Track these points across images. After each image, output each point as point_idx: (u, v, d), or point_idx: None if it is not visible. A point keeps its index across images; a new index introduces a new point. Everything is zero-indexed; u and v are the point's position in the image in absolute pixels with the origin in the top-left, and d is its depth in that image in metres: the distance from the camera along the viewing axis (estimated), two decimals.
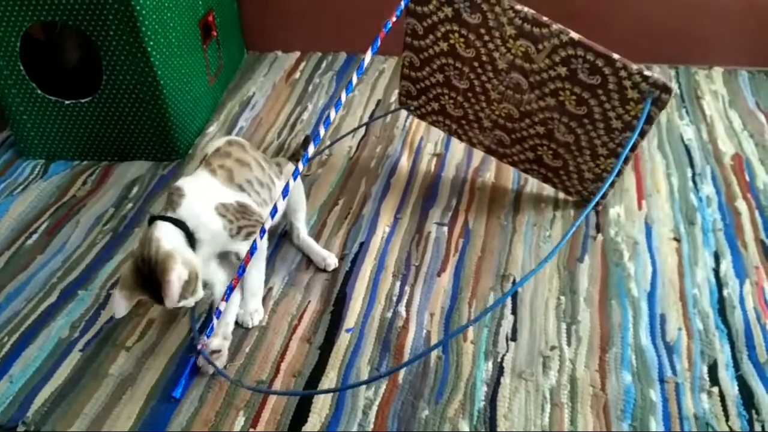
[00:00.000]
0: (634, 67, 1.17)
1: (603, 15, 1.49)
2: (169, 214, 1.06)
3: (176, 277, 0.97)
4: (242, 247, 1.12)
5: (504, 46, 1.25)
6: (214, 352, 1.09)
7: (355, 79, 1.19)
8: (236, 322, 1.17)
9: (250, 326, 1.16)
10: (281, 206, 1.18)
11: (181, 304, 1.00)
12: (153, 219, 1.06)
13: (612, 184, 1.34)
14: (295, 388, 1.07)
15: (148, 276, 0.99)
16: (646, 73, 1.17)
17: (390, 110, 1.72)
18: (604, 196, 1.36)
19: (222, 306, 1.11)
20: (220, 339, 1.11)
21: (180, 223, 1.05)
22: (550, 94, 1.27)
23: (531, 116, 1.32)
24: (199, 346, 1.08)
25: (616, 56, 1.17)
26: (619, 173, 1.32)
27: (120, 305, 1.01)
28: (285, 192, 1.16)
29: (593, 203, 1.10)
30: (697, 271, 1.24)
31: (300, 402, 1.04)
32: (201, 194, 1.10)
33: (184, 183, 1.11)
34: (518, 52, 1.24)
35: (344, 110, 1.77)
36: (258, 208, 1.16)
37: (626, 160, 1.30)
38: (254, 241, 1.11)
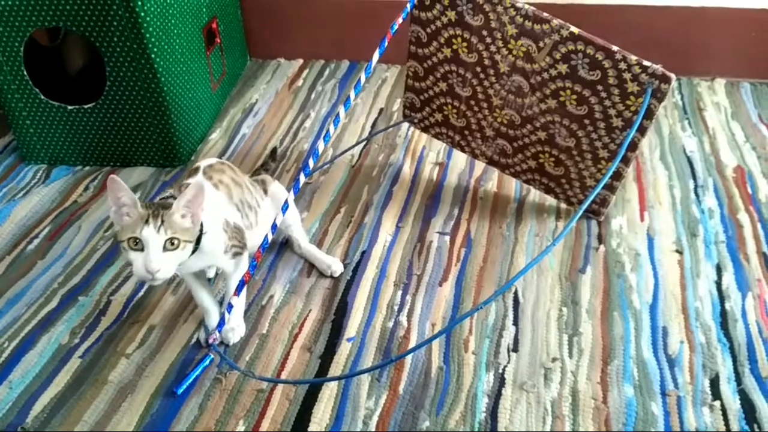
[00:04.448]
0: (633, 57, 1.17)
1: (605, 27, 1.50)
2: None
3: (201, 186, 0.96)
4: (227, 263, 1.11)
5: (506, 47, 1.26)
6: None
7: (363, 79, 1.19)
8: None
9: (231, 343, 1.15)
10: (279, 221, 1.18)
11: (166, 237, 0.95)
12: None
13: (614, 190, 1.34)
14: (295, 396, 1.06)
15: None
16: (645, 63, 1.17)
17: (392, 123, 1.72)
18: (606, 203, 1.36)
19: (234, 300, 1.12)
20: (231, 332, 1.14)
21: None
22: (551, 96, 1.27)
23: (532, 121, 1.32)
24: (210, 340, 1.10)
25: (615, 48, 1.18)
26: (620, 176, 1.31)
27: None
28: (284, 208, 1.16)
29: (593, 195, 1.10)
30: (699, 283, 1.23)
31: (300, 411, 1.04)
32: (213, 205, 1.08)
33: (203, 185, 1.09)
34: (519, 52, 1.25)
35: (347, 118, 1.77)
36: (246, 231, 1.16)
37: (627, 161, 1.29)
38: (253, 258, 1.11)
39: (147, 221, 0.94)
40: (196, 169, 1.15)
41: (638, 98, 1.20)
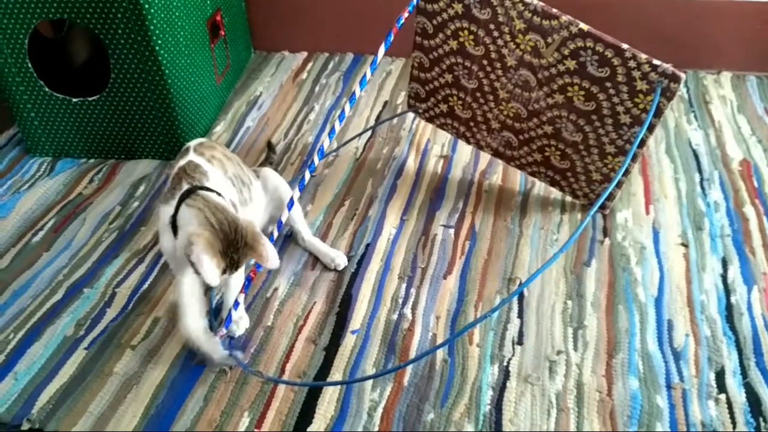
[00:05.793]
0: (643, 56, 1.17)
1: (611, 20, 1.50)
2: (207, 186, 1.06)
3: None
4: None
5: (513, 41, 1.25)
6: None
7: (369, 75, 1.19)
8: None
9: (236, 335, 1.15)
10: (284, 217, 1.18)
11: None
12: (194, 189, 1.04)
13: (619, 185, 1.33)
14: (300, 388, 1.06)
15: (233, 241, 0.99)
16: (655, 62, 1.16)
17: (397, 113, 1.72)
18: (611, 197, 1.36)
19: (240, 298, 1.12)
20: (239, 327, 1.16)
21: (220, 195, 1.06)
22: (558, 91, 1.27)
23: (539, 115, 1.32)
24: (218, 336, 1.10)
25: (625, 46, 1.17)
26: (627, 172, 1.31)
27: (215, 273, 0.97)
28: (290, 205, 1.16)
29: (601, 200, 1.10)
30: (705, 276, 1.23)
31: (305, 403, 1.04)
32: (216, 176, 1.10)
33: (199, 161, 1.11)
34: (527, 47, 1.24)
35: (351, 111, 1.76)
36: (241, 207, 1.15)
37: (634, 157, 1.29)
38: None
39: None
40: (187, 149, 1.15)
41: (647, 96, 1.19)
